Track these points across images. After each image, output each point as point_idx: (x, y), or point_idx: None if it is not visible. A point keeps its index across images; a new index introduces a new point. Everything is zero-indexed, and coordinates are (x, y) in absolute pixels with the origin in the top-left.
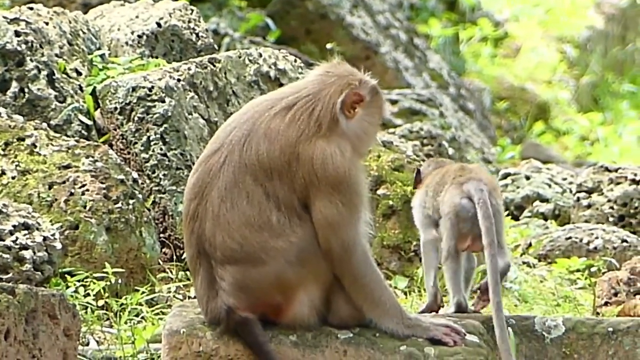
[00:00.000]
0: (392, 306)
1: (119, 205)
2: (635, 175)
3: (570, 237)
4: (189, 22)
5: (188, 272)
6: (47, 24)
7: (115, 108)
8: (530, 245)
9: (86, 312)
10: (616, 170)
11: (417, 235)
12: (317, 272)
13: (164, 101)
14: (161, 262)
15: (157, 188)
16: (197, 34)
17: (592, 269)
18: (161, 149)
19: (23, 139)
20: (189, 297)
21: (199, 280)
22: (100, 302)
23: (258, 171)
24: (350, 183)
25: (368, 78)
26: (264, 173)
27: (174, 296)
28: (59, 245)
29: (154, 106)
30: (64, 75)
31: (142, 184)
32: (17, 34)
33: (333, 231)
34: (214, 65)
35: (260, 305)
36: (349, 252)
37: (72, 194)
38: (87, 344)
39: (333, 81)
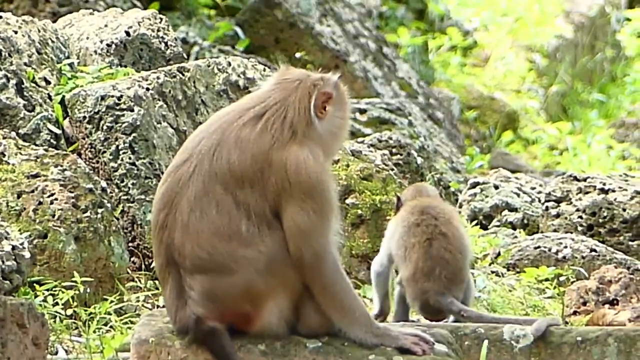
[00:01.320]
0: (361, 315)
1: (88, 214)
2: (604, 184)
3: (539, 247)
4: (158, 30)
5: (157, 281)
6: (15, 32)
7: (84, 117)
8: (499, 254)
9: (55, 321)
10: (585, 180)
11: None
12: (287, 282)
13: (132, 110)
14: (130, 272)
15: (125, 197)
16: (166, 43)
17: (561, 278)
18: (130, 158)
19: None
20: (158, 306)
21: (167, 290)
22: (69, 311)
23: (229, 180)
24: (322, 189)
25: (328, 75)
26: (235, 182)
27: (142, 305)
28: (27, 255)
29: (123, 115)
30: (33, 84)
31: (110, 193)
32: None
33: (304, 239)
34: (183, 74)
35: (229, 315)
36: (319, 260)
37: (40, 203)
38: (56, 353)
39: (297, 85)
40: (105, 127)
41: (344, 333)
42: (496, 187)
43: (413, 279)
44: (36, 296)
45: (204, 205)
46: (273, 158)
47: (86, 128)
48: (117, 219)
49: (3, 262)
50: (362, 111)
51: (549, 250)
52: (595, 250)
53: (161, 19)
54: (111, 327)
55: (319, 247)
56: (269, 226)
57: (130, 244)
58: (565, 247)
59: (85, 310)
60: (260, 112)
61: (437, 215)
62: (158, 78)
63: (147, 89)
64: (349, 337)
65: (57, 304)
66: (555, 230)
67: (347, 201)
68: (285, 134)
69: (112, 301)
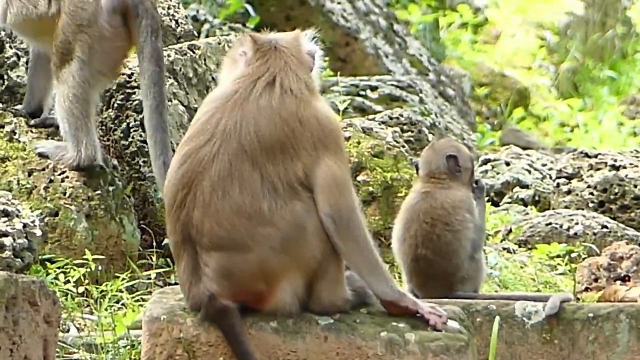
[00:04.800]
0: (385, 271)
1: (99, 192)
2: (615, 161)
3: (550, 223)
4: (169, 8)
5: (168, 259)
6: None
7: None
8: (510, 231)
9: (66, 299)
10: (596, 156)
11: None
12: (301, 259)
13: None
14: (141, 249)
15: (136, 175)
16: (176, 21)
17: (572, 255)
18: (141, 136)
19: (2, 126)
20: (169, 284)
21: (182, 266)
22: (81, 289)
23: (259, 153)
24: (343, 141)
25: (303, 32)
26: (266, 153)
27: (154, 283)
28: (39, 232)
29: (134, 93)
30: None
31: (121, 170)
32: None
33: (340, 192)
34: (194, 52)
35: (243, 293)
36: (353, 214)
37: (51, 181)
38: (68, 331)
39: (290, 49)
40: (116, 105)
41: (371, 287)
42: (507, 164)
43: (409, 280)
44: (47, 274)
45: (227, 185)
46: (303, 115)
47: (97, 106)
48: (128, 196)
49: (14, 240)
50: (373, 88)
51: (561, 226)
52: (606, 227)
53: None
54: (123, 304)
55: (352, 200)
56: (291, 198)
57: (141, 222)
58: (577, 223)
59: (97, 288)
60: (271, 79)
61: (432, 222)
62: (169, 56)
63: None
64: (374, 290)
65: (68, 281)
66: (566, 207)
67: (359, 178)
68: (305, 92)
69: (123, 279)
